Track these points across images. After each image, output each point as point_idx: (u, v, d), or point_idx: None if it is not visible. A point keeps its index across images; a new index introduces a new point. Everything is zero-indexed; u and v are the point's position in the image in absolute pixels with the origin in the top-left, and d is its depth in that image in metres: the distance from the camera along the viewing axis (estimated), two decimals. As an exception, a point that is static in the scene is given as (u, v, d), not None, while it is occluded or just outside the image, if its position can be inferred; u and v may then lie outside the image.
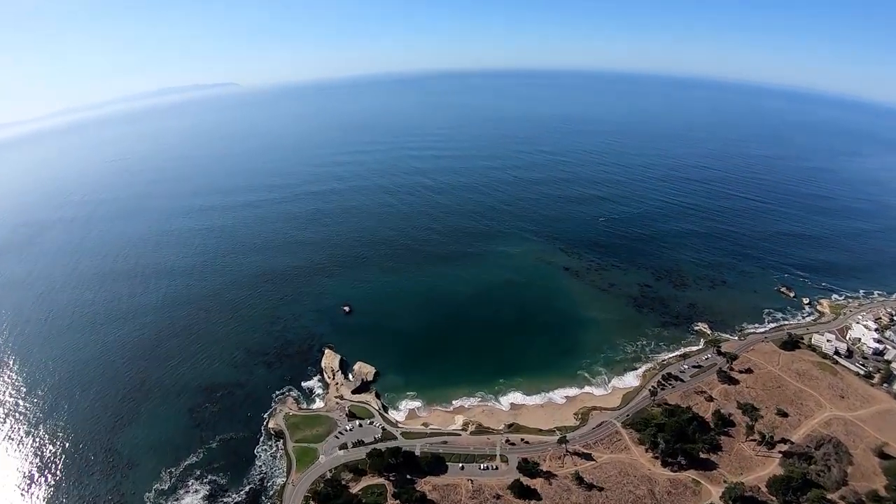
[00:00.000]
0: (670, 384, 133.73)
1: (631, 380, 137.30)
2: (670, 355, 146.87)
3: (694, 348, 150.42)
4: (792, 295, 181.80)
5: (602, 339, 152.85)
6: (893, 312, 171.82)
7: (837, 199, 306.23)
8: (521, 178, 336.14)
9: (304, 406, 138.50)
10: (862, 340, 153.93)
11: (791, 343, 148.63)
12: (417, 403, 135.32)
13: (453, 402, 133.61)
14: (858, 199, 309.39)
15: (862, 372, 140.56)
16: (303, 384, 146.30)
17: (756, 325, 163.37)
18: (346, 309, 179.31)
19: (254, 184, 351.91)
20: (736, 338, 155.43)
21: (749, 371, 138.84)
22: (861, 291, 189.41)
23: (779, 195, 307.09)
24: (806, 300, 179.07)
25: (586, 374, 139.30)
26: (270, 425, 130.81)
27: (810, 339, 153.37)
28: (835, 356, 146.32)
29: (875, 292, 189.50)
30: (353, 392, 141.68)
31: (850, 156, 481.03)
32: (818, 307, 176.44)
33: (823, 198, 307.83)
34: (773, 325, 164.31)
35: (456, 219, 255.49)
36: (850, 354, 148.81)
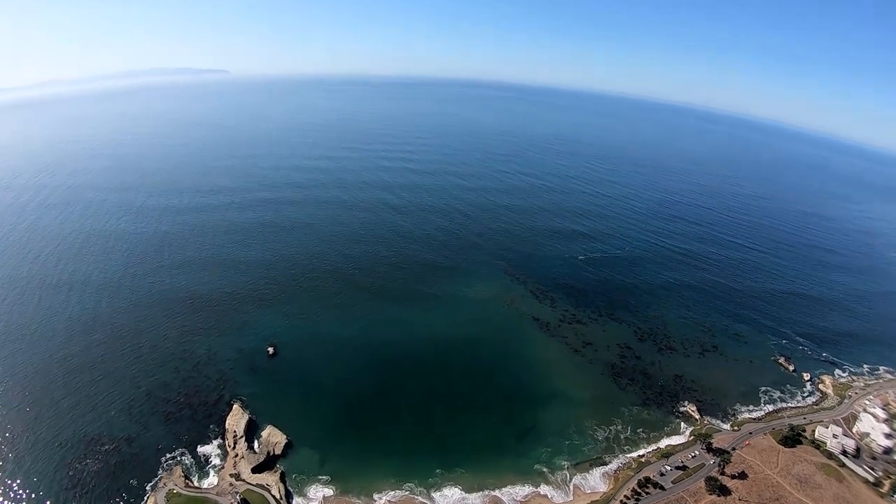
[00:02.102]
0: (647, 492, 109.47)
1: (598, 481, 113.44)
2: (650, 449, 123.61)
3: (679, 439, 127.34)
4: (791, 369, 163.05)
5: (569, 419, 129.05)
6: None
7: (834, 252, 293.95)
8: (496, 202, 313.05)
9: (193, 482, 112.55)
10: (871, 436, 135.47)
11: (792, 438, 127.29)
12: (329, 492, 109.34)
13: (375, 495, 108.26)
14: (856, 254, 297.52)
15: (871, 478, 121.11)
16: (199, 449, 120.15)
17: (751, 408, 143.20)
18: (270, 350, 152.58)
19: (202, 184, 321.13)
20: (728, 426, 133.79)
21: (743, 476, 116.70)
22: (865, 366, 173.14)
23: (773, 243, 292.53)
24: (807, 376, 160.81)
25: (545, 469, 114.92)
26: (150, 503, 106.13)
27: (813, 431, 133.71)
28: (841, 456, 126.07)
29: (881, 367, 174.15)
30: (255, 469, 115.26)
31: (842, 200, 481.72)
32: (820, 386, 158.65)
33: (820, 249, 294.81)
34: (770, 407, 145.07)
35: (418, 248, 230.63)
36: (857, 453, 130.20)
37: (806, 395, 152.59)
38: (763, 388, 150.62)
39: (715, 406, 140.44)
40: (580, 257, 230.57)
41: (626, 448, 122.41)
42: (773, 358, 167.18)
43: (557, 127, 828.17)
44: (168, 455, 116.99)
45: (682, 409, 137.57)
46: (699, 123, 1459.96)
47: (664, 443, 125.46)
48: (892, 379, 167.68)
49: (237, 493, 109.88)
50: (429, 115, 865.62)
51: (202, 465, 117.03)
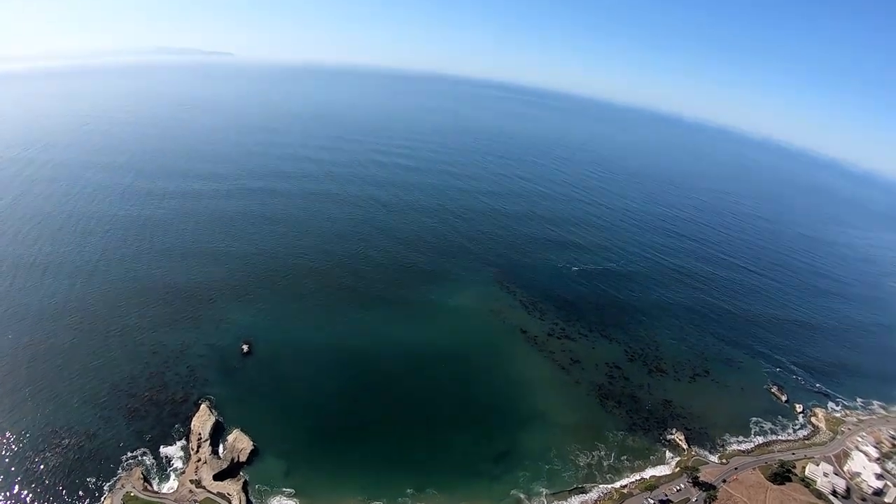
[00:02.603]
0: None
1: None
2: (633, 479, 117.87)
3: (664, 470, 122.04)
4: (784, 399, 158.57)
5: (550, 442, 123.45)
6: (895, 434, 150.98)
7: (832, 279, 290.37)
8: (490, 206, 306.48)
9: (153, 485, 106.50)
10: (862, 476, 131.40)
11: (781, 475, 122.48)
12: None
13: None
14: (854, 281, 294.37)
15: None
16: (161, 449, 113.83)
17: (741, 439, 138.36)
18: (245, 348, 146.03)
19: (191, 169, 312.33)
20: (716, 458, 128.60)
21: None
22: (859, 400, 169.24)
23: (771, 265, 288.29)
24: (799, 408, 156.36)
25: (521, 495, 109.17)
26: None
27: (804, 468, 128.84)
28: (831, 496, 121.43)
29: (874, 402, 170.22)
30: (217, 476, 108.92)
31: (841, 225, 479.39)
32: (812, 418, 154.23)
33: (817, 274, 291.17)
34: (760, 439, 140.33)
35: (405, 250, 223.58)
36: (847, 494, 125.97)
37: (798, 427, 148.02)
38: (754, 419, 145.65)
39: (703, 435, 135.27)
40: (574, 268, 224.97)
41: (608, 477, 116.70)
42: (765, 386, 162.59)
43: (557, 131, 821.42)
44: (129, 454, 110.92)
45: (669, 437, 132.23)
46: (694, 135, 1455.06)
47: (649, 473, 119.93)
48: (885, 415, 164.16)
49: (196, 501, 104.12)
50: (429, 110, 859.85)
51: (163, 467, 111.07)
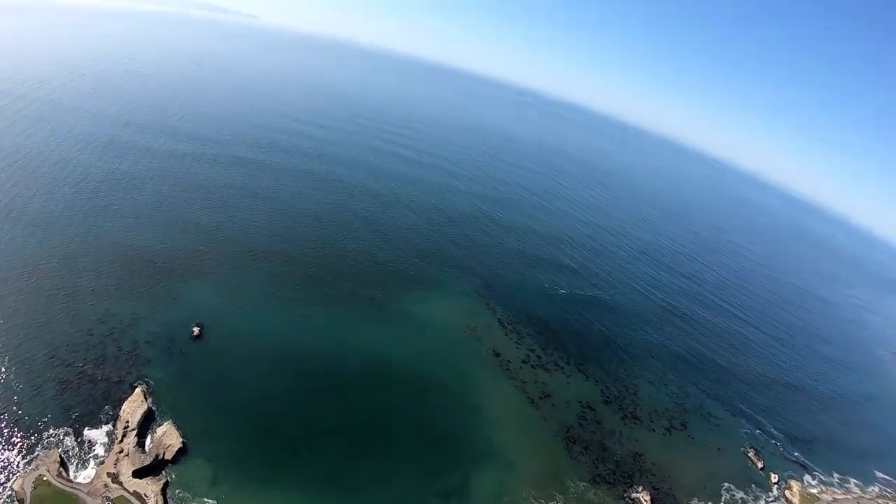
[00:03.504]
0: None
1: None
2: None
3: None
4: (760, 466, 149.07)
5: (505, 485, 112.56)
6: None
7: (823, 339, 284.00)
8: (484, 212, 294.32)
9: (68, 472, 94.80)
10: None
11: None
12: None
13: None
14: (845, 345, 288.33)
15: None
16: (86, 432, 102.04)
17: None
18: (195, 331, 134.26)
19: (182, 128, 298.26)
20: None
21: None
22: (836, 476, 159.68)
23: (763, 317, 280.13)
24: (774, 477, 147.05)
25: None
26: (16, 487, 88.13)
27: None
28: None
29: (851, 480, 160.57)
30: (136, 473, 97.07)
31: (836, 282, 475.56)
32: (787, 492, 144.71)
33: (810, 333, 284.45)
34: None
35: (387, 248, 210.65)
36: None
37: (771, 500, 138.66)
38: (726, 485, 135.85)
39: (671, 497, 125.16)
40: (561, 291, 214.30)
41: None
42: (742, 449, 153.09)
43: (566, 143, 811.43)
44: (52, 430, 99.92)
45: (634, 495, 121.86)
46: (699, 167, 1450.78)
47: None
48: (860, 495, 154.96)
49: (108, 498, 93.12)
50: (443, 103, 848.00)
51: (84, 451, 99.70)
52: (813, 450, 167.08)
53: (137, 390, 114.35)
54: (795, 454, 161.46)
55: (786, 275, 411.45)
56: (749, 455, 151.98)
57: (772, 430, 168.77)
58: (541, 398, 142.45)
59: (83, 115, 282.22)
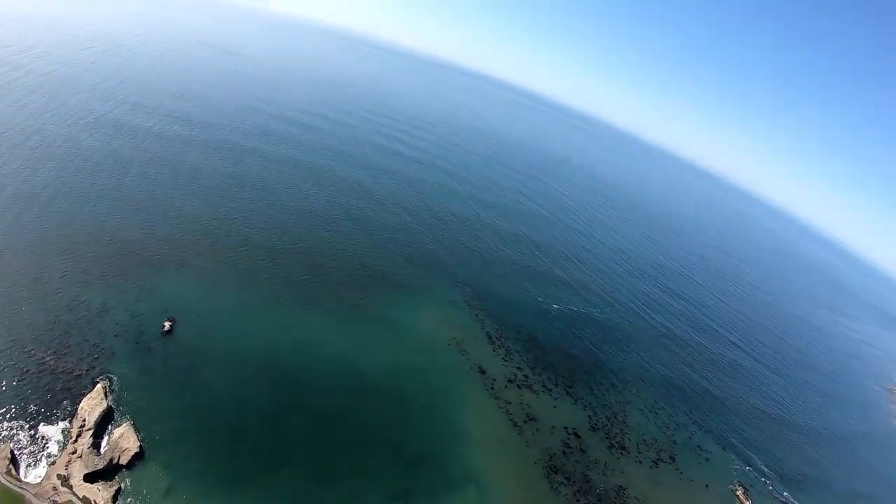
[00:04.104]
0: None
1: None
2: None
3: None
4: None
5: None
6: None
7: (819, 372, 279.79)
8: (481, 218, 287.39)
9: (18, 470, 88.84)
10: None
11: None
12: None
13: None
14: (841, 379, 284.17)
15: None
16: (42, 427, 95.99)
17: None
18: (167, 326, 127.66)
19: (177, 109, 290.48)
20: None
21: None
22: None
23: (762, 346, 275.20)
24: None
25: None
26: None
27: None
28: None
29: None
30: (88, 477, 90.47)
31: (836, 313, 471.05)
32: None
33: (805, 365, 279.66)
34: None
35: (376, 249, 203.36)
36: None
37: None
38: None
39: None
40: (555, 306, 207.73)
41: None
42: (731, 486, 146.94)
43: (572, 152, 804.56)
44: (5, 424, 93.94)
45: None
46: (702, 184, 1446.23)
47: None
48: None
49: (56, 502, 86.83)
50: (450, 102, 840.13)
51: (38, 449, 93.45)
52: (802, 491, 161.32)
53: (98, 386, 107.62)
54: (784, 494, 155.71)
55: (784, 301, 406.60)
56: (737, 493, 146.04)
57: (762, 466, 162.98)
58: (525, 421, 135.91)
59: (78, 90, 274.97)
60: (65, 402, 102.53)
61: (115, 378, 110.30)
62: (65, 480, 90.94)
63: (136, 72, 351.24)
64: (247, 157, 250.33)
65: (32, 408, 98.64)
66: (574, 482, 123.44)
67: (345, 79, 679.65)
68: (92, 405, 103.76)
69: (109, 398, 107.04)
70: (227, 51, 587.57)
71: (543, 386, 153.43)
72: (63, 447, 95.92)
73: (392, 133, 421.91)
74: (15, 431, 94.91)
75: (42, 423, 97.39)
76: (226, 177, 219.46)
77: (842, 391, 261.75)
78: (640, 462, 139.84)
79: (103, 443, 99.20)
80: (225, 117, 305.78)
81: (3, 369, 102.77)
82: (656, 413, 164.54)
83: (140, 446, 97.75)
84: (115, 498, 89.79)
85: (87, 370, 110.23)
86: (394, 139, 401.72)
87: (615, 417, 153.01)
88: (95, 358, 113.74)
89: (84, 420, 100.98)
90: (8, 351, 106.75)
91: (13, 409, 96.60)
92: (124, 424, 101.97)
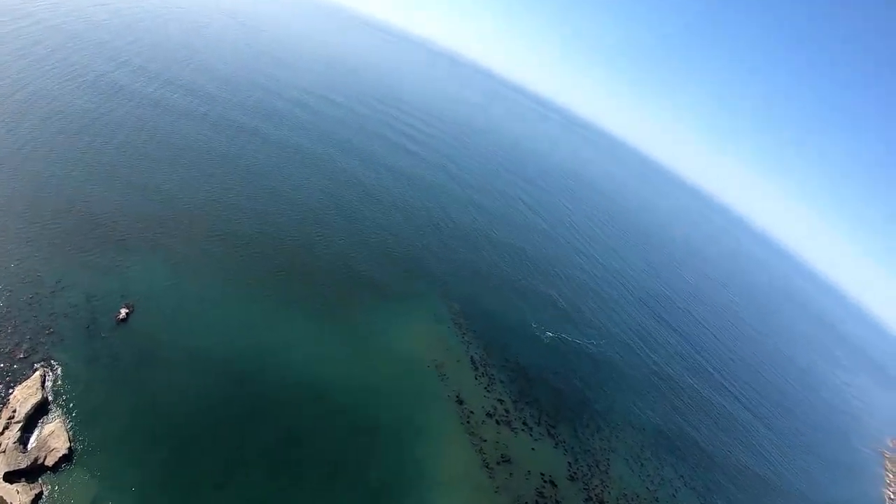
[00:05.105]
0: None
1: None
2: None
3: None
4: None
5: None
6: None
7: (815, 430, 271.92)
8: (479, 227, 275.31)
9: None
10: None
11: None
12: (71, 559, 76.06)
13: None
14: (832, 439, 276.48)
15: None
16: None
17: None
18: (123, 313, 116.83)
19: (181, 78, 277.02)
20: None
21: None
22: None
23: (757, 397, 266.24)
24: None
25: None
26: None
27: None
28: None
29: None
30: (8, 476, 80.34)
31: (834, 365, 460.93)
32: None
33: (802, 423, 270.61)
34: None
35: (365, 253, 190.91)
36: None
37: None
38: None
39: None
40: (548, 334, 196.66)
41: None
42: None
43: (584, 167, 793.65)
44: None
45: None
46: (715, 215, 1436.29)
47: None
48: None
49: (-36, 504, 77.03)
50: (465, 103, 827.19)
51: None
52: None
53: (37, 373, 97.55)
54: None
55: (784, 347, 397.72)
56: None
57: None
58: (499, 463, 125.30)
59: (84, 46, 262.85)
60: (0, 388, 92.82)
61: (57, 366, 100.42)
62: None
63: (146, 33, 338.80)
64: (244, 136, 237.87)
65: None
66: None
67: (363, 66, 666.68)
68: (26, 395, 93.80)
69: (47, 388, 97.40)
70: (246, 24, 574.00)
71: (524, 424, 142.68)
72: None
73: (401, 127, 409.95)
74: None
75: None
76: (217, 155, 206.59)
77: (833, 453, 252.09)
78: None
79: (32, 438, 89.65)
80: (230, 91, 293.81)
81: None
82: (642, 464, 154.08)
83: (69, 447, 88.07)
84: (34, 502, 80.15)
85: (30, 353, 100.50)
86: (402, 134, 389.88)
87: (597, 466, 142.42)
88: (41, 341, 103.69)
89: (14, 411, 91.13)
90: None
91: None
92: (57, 420, 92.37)
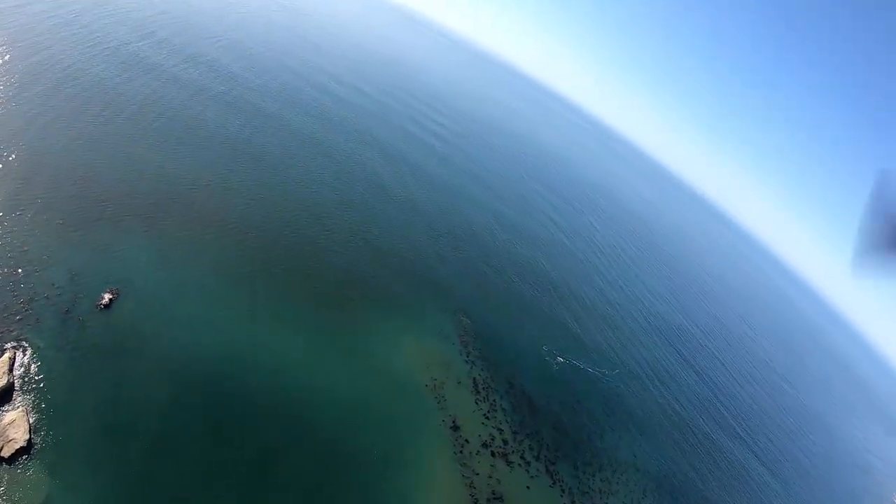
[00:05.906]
0: None
1: None
2: None
3: None
4: None
5: None
6: None
7: (831, 489, 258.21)
8: (498, 238, 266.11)
9: None
10: None
11: None
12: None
13: None
14: (845, 496, 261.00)
15: None
16: None
17: None
18: (106, 298, 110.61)
19: (205, 56, 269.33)
20: None
21: None
22: None
23: (767, 443, 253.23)
24: None
25: None
26: None
27: None
28: None
29: None
30: None
31: (849, 414, 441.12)
32: None
33: (810, 474, 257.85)
34: None
35: (373, 257, 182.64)
36: None
37: None
38: None
39: None
40: (559, 359, 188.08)
41: None
42: None
43: (615, 183, 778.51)
44: None
45: None
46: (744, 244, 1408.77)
47: None
48: None
49: None
50: (500, 106, 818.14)
51: None
52: None
53: (6, 356, 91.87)
54: None
55: (802, 394, 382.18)
56: None
57: None
58: (489, 500, 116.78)
59: (110, 12, 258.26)
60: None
61: (30, 349, 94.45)
62: (-68, 463, 76.43)
63: (178, 4, 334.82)
64: (260, 120, 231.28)
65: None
66: None
67: (400, 59, 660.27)
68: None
69: (14, 374, 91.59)
70: (287, 6, 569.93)
71: (522, 458, 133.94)
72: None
73: (430, 125, 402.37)
74: None
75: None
76: (228, 138, 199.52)
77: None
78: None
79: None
80: (254, 73, 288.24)
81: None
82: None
83: (28, 440, 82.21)
84: (-14, 499, 74.60)
85: (5, 332, 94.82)
86: (429, 132, 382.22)
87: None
88: (17, 319, 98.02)
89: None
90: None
91: None
92: (20, 409, 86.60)
